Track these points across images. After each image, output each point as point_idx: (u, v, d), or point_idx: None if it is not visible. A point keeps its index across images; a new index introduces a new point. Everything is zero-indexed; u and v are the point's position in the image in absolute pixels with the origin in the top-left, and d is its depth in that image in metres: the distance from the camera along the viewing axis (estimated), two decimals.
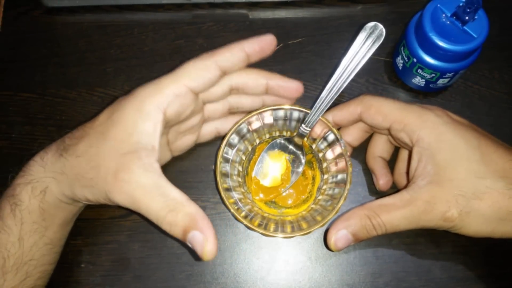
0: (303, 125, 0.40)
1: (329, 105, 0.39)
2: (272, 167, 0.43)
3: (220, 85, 0.39)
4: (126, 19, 0.51)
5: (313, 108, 0.39)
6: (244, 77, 0.40)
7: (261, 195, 0.42)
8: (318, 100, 0.39)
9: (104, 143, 0.35)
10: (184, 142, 0.42)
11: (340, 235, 0.36)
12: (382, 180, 0.42)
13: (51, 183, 0.36)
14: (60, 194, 0.37)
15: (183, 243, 0.33)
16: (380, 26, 0.38)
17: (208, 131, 0.43)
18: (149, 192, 0.33)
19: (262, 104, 0.42)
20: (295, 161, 0.43)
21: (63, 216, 0.38)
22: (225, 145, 0.40)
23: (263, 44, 0.38)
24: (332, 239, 0.36)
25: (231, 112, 0.43)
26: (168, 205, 0.32)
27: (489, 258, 0.42)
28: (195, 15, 0.51)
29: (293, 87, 0.40)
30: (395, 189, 0.43)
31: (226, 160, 0.41)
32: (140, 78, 0.49)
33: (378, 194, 0.44)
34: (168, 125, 0.38)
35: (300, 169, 0.42)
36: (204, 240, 0.32)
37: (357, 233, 0.36)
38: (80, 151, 0.36)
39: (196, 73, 0.37)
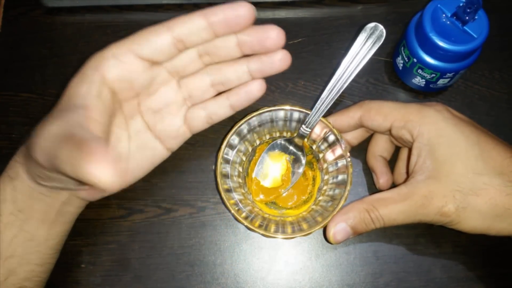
0: (303, 125, 0.40)
1: (329, 105, 0.39)
2: (272, 168, 0.43)
3: (185, 53, 0.37)
4: (126, 19, 0.51)
5: (313, 109, 0.39)
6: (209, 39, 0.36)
7: (262, 196, 0.42)
8: (319, 101, 0.39)
9: (51, 115, 0.33)
10: (168, 125, 0.40)
11: (339, 228, 0.36)
12: (382, 179, 0.42)
13: (19, 167, 0.35)
14: (28, 180, 0.35)
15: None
16: (381, 26, 0.38)
17: (198, 117, 0.40)
18: (57, 140, 0.29)
19: (248, 73, 0.39)
20: (295, 162, 0.43)
21: (42, 210, 0.37)
22: (225, 146, 0.40)
23: (232, 11, 0.33)
24: (331, 231, 0.37)
25: (218, 90, 0.40)
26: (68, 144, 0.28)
27: (489, 258, 0.42)
28: None
29: (271, 36, 0.35)
30: None
31: (227, 161, 0.40)
32: None
33: None
34: (123, 94, 0.36)
35: (301, 170, 0.42)
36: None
37: (356, 226, 0.36)
38: (37, 131, 0.33)
39: (144, 38, 0.35)
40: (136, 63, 0.35)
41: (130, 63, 0.35)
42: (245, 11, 0.34)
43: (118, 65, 0.35)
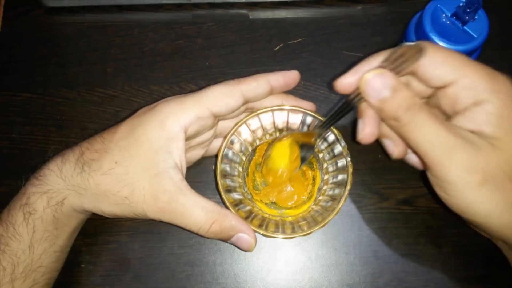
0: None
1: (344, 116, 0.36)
2: (280, 153, 0.42)
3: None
4: (126, 19, 0.51)
5: (328, 117, 0.38)
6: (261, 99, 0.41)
7: (270, 180, 0.42)
8: (335, 109, 0.36)
9: (131, 162, 0.36)
10: (193, 155, 0.42)
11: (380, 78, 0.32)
12: (368, 129, 0.35)
13: (71, 195, 0.37)
14: (78, 206, 0.37)
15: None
16: (420, 45, 0.32)
17: (218, 146, 0.43)
18: (190, 209, 0.36)
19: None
20: (303, 148, 0.41)
21: (74, 224, 0.39)
22: (225, 145, 0.40)
23: (288, 79, 0.40)
24: (369, 75, 0.32)
25: None
26: (210, 218, 0.36)
27: (489, 258, 0.42)
28: (195, 15, 0.51)
29: (306, 107, 0.41)
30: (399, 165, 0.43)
31: (227, 161, 0.40)
32: (140, 78, 0.49)
33: (378, 195, 0.44)
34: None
35: (309, 154, 0.40)
36: (250, 239, 0.37)
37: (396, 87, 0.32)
38: (106, 168, 0.36)
39: (221, 99, 0.38)
40: (211, 121, 0.38)
41: (207, 119, 0.38)
42: (297, 78, 0.40)
43: (198, 123, 0.37)
